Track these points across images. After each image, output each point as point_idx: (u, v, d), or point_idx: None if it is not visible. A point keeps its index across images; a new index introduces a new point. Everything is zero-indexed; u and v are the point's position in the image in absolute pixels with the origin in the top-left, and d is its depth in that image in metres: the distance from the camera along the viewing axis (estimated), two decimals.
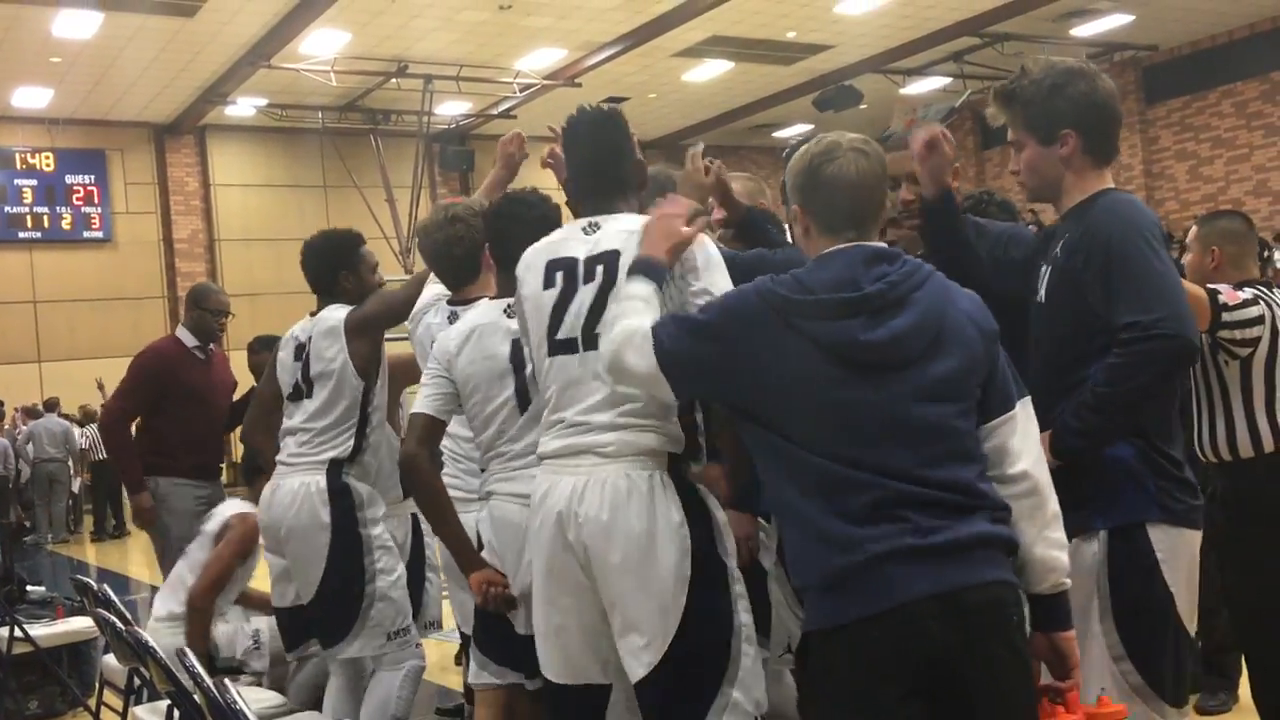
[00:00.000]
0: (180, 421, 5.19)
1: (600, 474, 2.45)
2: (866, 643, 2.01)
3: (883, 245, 2.25)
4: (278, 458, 3.85)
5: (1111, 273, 2.36)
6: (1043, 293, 2.53)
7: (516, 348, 2.98)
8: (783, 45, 17.10)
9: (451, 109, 19.14)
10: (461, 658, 5.39)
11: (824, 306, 2.12)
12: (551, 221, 2.98)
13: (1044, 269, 2.56)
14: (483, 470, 3.13)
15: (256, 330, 5.90)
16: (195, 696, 2.70)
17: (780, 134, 22.10)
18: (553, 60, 17.12)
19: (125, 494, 12.98)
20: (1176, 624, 2.45)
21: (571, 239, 2.66)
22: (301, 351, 3.81)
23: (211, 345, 5.45)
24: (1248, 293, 3.35)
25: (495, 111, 19.33)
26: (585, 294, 2.56)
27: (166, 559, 5.07)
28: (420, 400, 3.06)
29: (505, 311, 3.02)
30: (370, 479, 3.80)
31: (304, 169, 19.69)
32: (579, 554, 2.46)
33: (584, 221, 2.68)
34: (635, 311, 2.30)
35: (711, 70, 18.14)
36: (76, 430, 15.15)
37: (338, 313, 3.77)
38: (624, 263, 2.51)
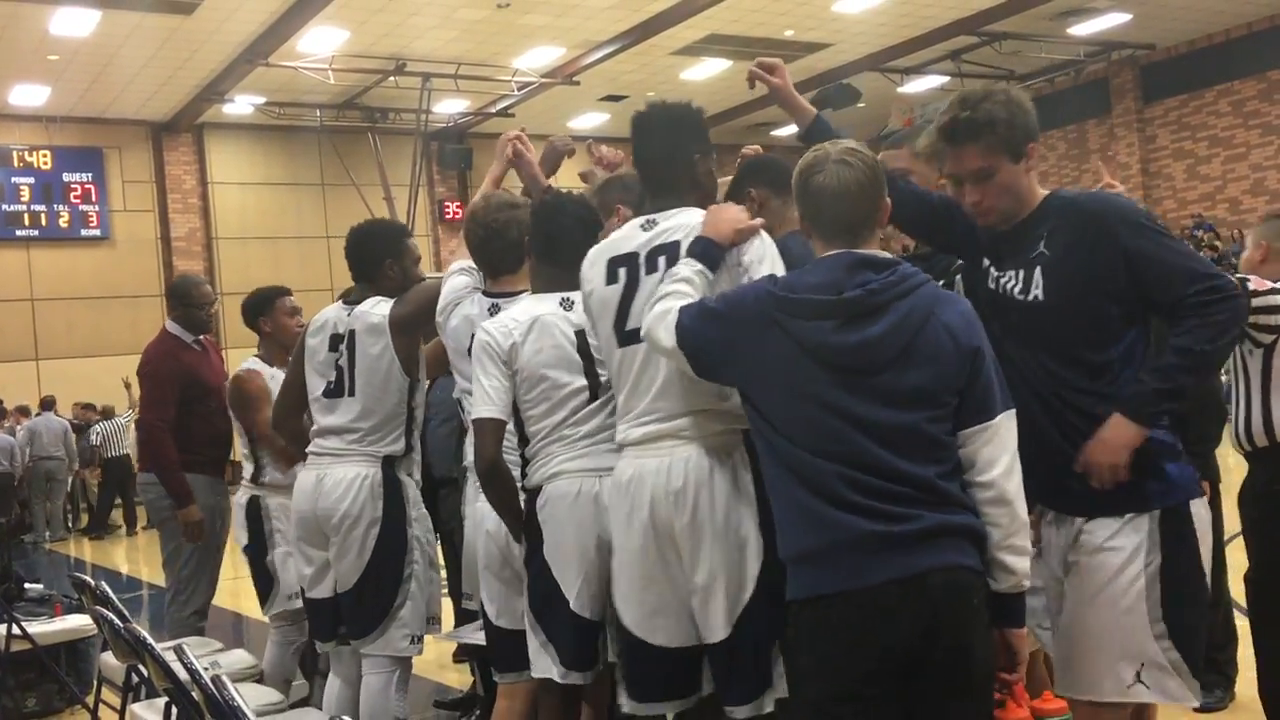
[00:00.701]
0: (200, 417, 5.15)
1: (682, 453, 2.61)
2: (837, 616, 2.22)
3: (873, 253, 2.35)
4: (314, 448, 3.79)
5: (1138, 256, 2.45)
6: (1038, 294, 2.54)
7: (581, 337, 3.07)
8: (781, 44, 17.09)
9: (449, 107, 19.14)
10: (462, 655, 5.38)
11: (804, 307, 2.29)
12: (594, 223, 3.16)
13: (1022, 272, 2.58)
14: (526, 458, 3.12)
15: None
16: (193, 694, 2.70)
17: (778, 133, 22.10)
18: (551, 58, 17.11)
19: (134, 493, 12.65)
20: (1204, 602, 2.60)
21: (630, 236, 2.79)
22: (339, 343, 3.74)
23: (202, 336, 5.41)
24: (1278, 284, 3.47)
25: (493, 110, 19.33)
26: (649, 285, 2.69)
27: (181, 559, 5.06)
28: (485, 404, 3.04)
29: (561, 304, 3.11)
30: (415, 477, 3.82)
31: (302, 167, 19.68)
32: (668, 528, 2.61)
33: (642, 219, 2.80)
34: (677, 293, 2.49)
35: (709, 69, 18.15)
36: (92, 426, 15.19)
37: (381, 308, 3.72)
38: (684, 253, 2.63)
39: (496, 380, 3.06)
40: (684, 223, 2.71)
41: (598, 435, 3.01)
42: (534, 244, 3.21)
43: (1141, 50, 18.85)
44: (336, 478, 3.69)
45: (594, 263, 2.82)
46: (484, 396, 3.04)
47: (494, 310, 3.32)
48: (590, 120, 20.69)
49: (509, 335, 3.09)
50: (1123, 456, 2.43)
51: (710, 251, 2.57)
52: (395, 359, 3.68)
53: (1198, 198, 19.05)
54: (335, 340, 3.74)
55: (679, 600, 2.66)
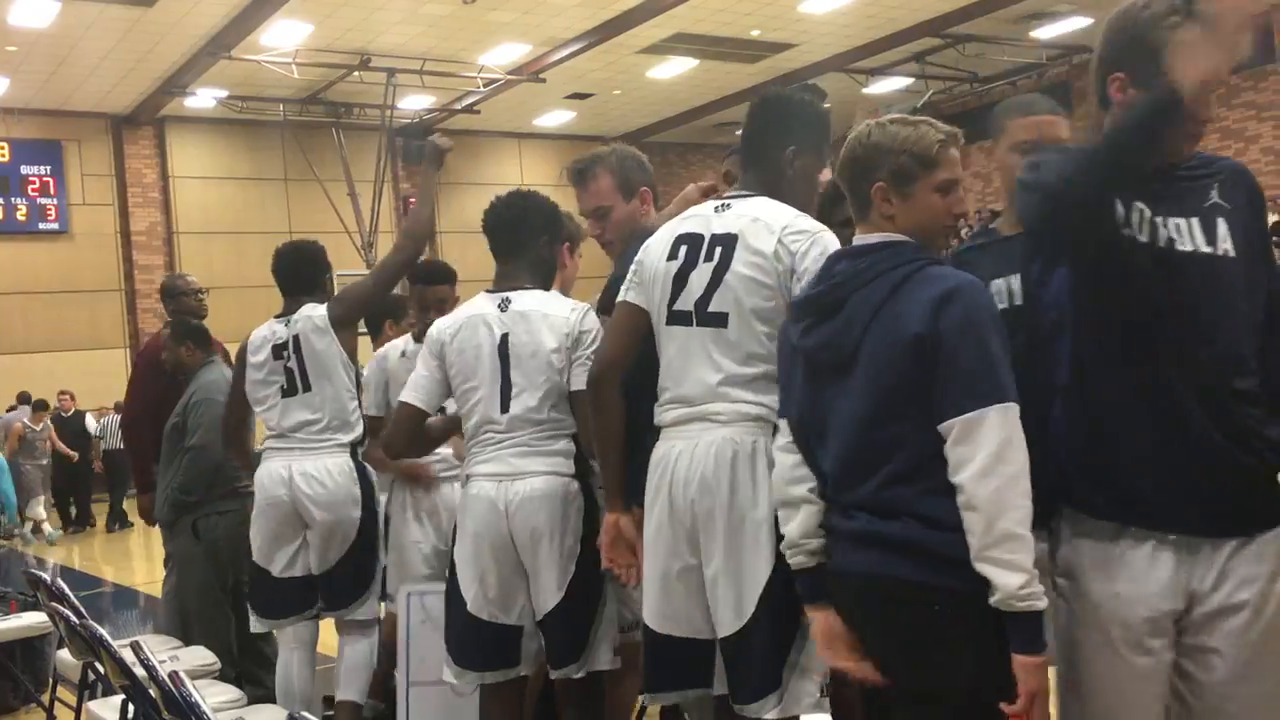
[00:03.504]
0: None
1: (707, 438, 2.61)
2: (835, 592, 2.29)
3: (865, 238, 2.29)
4: (270, 445, 4.07)
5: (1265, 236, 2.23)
6: (1227, 247, 2.12)
7: (505, 341, 3.15)
8: (747, 43, 17.14)
9: (414, 103, 19.04)
10: None
11: (792, 310, 2.37)
12: (537, 221, 3.29)
13: (1197, 221, 2.13)
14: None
15: (216, 324, 5.85)
16: (150, 691, 2.68)
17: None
18: (517, 55, 17.06)
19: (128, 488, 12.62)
20: None
21: (702, 215, 2.77)
22: (282, 351, 4.04)
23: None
24: None
25: (459, 106, 19.25)
26: (704, 270, 2.68)
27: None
28: (408, 390, 3.30)
29: (499, 305, 3.21)
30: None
31: (265, 162, 19.50)
32: (688, 514, 2.61)
33: (717, 201, 2.79)
34: None
35: (676, 67, 18.16)
36: (91, 419, 14.96)
37: (319, 310, 4.05)
38: (740, 247, 2.64)
39: (426, 372, 3.24)
40: (747, 212, 2.68)
41: (506, 441, 3.11)
42: (489, 241, 3.31)
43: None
44: (306, 469, 3.95)
45: (658, 237, 2.81)
46: (411, 382, 3.27)
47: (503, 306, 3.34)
48: (557, 118, 20.65)
49: (443, 333, 3.23)
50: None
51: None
52: (341, 352, 4.02)
53: None
54: (278, 349, 4.05)
55: (693, 589, 2.65)
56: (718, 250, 2.67)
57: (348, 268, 18.40)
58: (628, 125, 21.42)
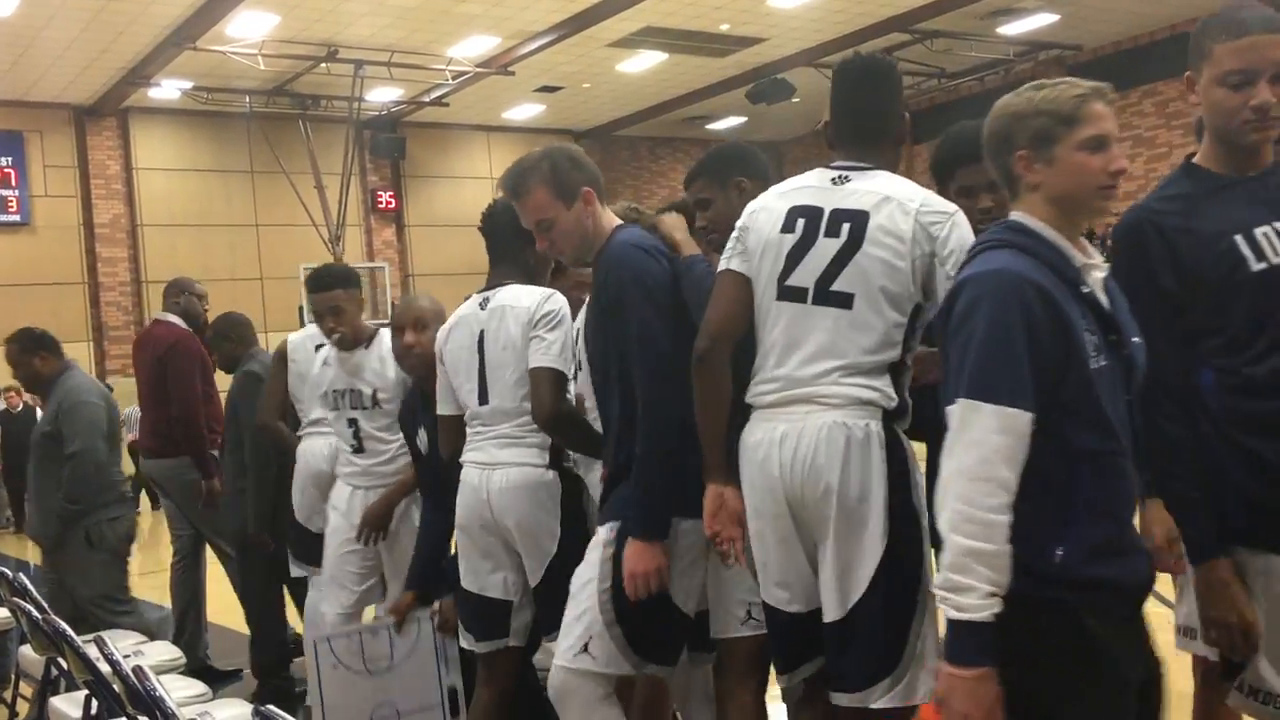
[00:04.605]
0: (213, 400, 5.65)
1: (815, 420, 2.51)
2: None
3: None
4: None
5: None
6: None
7: (481, 337, 3.34)
8: (717, 37, 17.15)
9: (383, 95, 18.91)
10: None
11: None
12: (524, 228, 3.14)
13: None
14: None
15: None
16: (114, 686, 2.65)
17: (714, 126, 22.19)
18: (486, 48, 16.98)
19: None
20: None
21: (817, 187, 2.64)
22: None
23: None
24: None
25: (427, 99, 19.14)
26: (826, 247, 2.55)
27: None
28: (439, 402, 3.54)
29: (480, 303, 3.39)
30: None
31: (230, 154, 19.31)
32: (788, 497, 2.54)
33: (833, 172, 2.65)
34: None
35: (645, 61, 18.14)
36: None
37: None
38: (873, 226, 2.52)
39: (441, 379, 3.48)
40: (877, 189, 2.56)
41: (488, 431, 3.34)
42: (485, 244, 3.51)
43: (1068, 50, 19.20)
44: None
45: (767, 207, 2.66)
46: (438, 395, 3.51)
47: (484, 304, 3.59)
48: (525, 111, 20.59)
49: (440, 339, 3.49)
50: None
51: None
52: None
53: (1121, 197, 19.27)
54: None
55: (805, 568, 2.59)
56: (845, 227, 2.54)
57: (315, 260, 18.31)
58: (597, 119, 21.38)
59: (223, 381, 5.52)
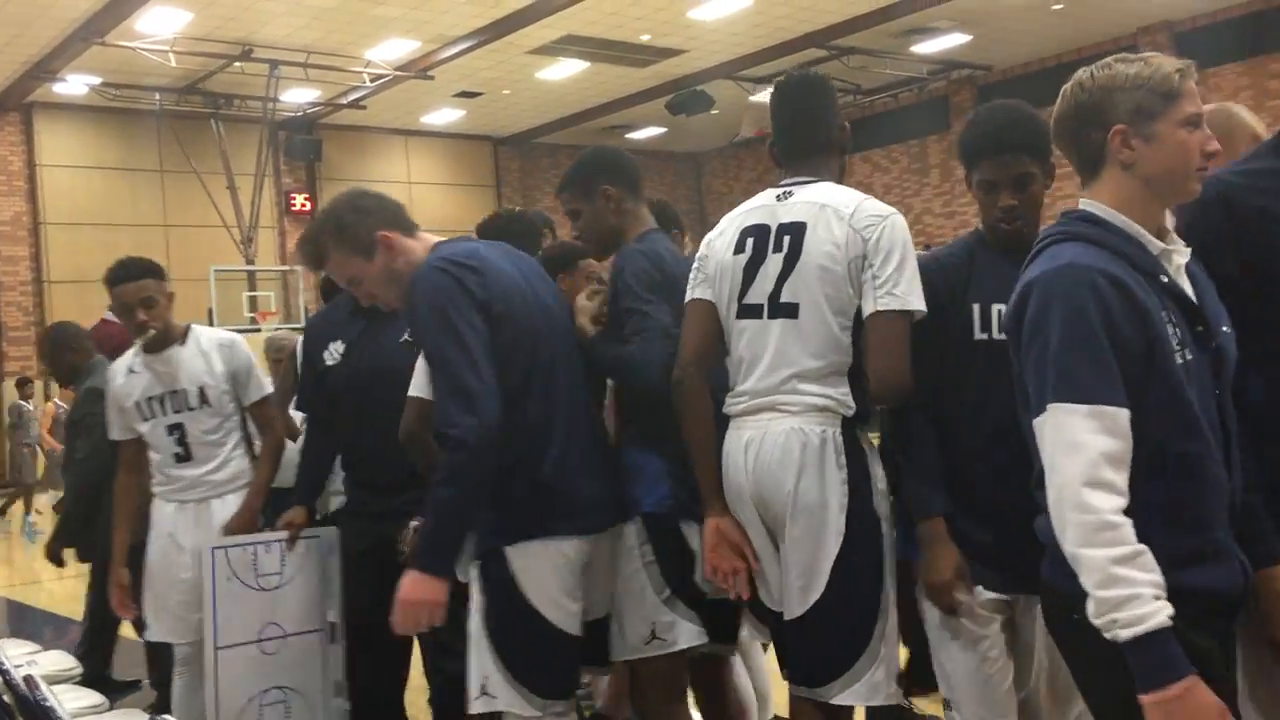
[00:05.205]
0: None
1: (776, 427, 2.62)
2: None
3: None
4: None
5: None
6: None
7: None
8: (637, 48, 17.23)
9: (299, 96, 18.64)
10: None
11: None
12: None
13: None
14: None
15: (88, 320, 5.65)
16: (4, 697, 2.57)
17: (633, 135, 22.26)
18: (405, 51, 16.84)
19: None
20: None
21: (766, 206, 2.75)
22: None
23: None
24: None
25: (344, 101, 18.92)
26: (774, 262, 2.67)
27: None
28: None
29: None
30: None
31: (139, 152, 18.85)
32: (755, 500, 2.65)
33: (778, 190, 2.76)
34: None
35: (566, 69, 18.15)
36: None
37: None
38: (810, 235, 2.62)
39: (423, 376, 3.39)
40: (815, 198, 2.67)
41: None
42: None
43: (980, 70, 19.67)
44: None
45: (722, 230, 2.79)
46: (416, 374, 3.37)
47: None
48: (445, 116, 20.46)
49: None
50: None
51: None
52: None
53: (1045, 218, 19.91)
54: None
55: (764, 566, 2.69)
56: (786, 239, 2.65)
57: (226, 263, 17.97)
58: (517, 125, 21.33)
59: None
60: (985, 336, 2.54)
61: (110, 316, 5.60)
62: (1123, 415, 1.83)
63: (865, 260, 2.57)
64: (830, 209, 2.63)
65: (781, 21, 16.46)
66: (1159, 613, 1.74)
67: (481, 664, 2.78)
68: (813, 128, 2.79)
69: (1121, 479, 1.81)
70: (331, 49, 16.33)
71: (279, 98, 17.77)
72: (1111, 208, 1.98)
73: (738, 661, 3.35)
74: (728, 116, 19.29)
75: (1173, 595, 1.78)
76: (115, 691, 4.85)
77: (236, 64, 16.46)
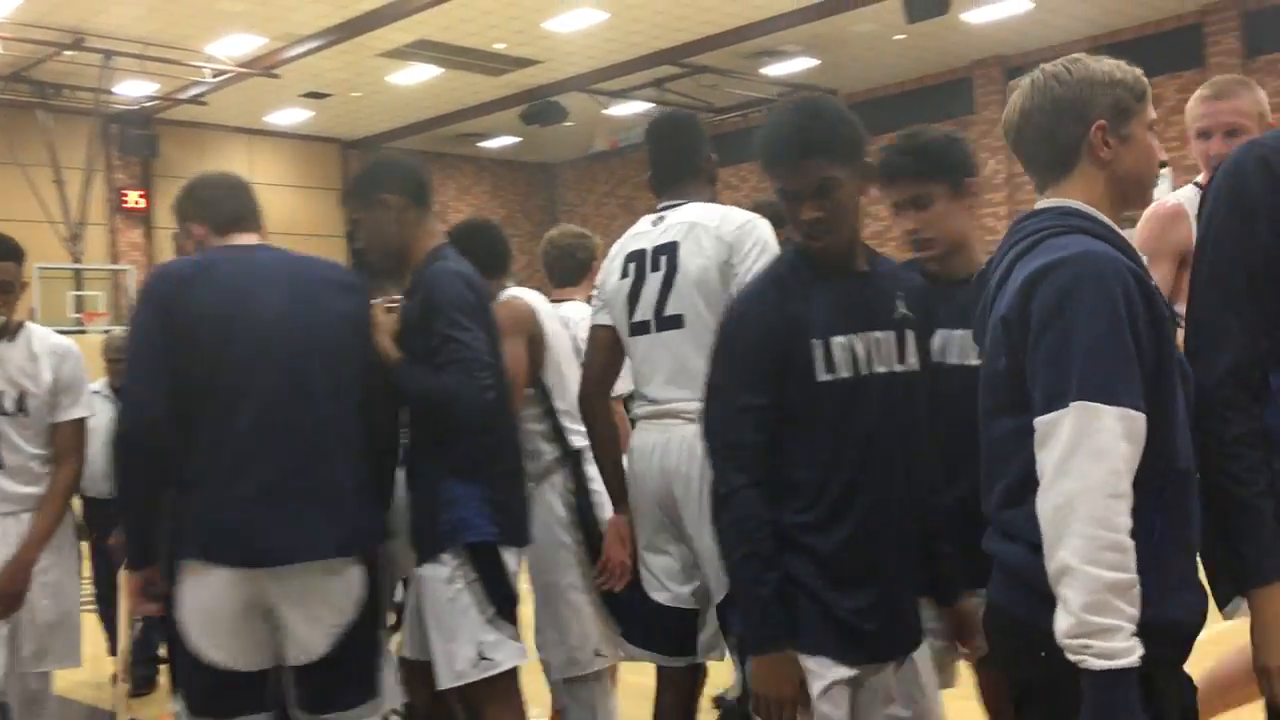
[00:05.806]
0: None
1: (678, 433, 2.93)
2: None
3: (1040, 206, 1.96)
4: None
5: None
6: None
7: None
8: (491, 56, 17.09)
9: (134, 89, 17.83)
10: None
11: None
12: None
13: None
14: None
15: None
16: None
17: (485, 144, 22.08)
18: (249, 48, 16.31)
19: None
20: None
21: (643, 233, 3.11)
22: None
23: None
24: None
25: (184, 96, 18.20)
26: (653, 281, 3.00)
27: None
28: None
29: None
30: None
31: None
32: (664, 497, 2.98)
33: (654, 215, 3.12)
34: None
35: (418, 74, 17.88)
36: None
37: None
38: (683, 251, 2.95)
39: None
40: (685, 218, 3.01)
41: None
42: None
43: (827, 94, 20.21)
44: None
45: (614, 257, 3.15)
46: None
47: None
48: (291, 116, 19.90)
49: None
50: None
51: None
52: None
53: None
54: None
55: (675, 558, 3.02)
56: (662, 259, 2.98)
57: (50, 260, 17.04)
58: (367, 129, 20.90)
59: None
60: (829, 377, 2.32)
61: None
62: (1143, 422, 1.69)
63: (729, 264, 2.86)
64: (700, 225, 2.95)
65: (636, 37, 16.59)
66: (1133, 651, 1.65)
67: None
68: (682, 159, 3.15)
69: (1131, 493, 1.69)
70: (170, 41, 15.67)
71: (113, 90, 16.99)
72: (1088, 206, 1.86)
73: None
74: (581, 128, 19.33)
75: (1157, 627, 1.69)
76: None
77: (67, 52, 15.65)
